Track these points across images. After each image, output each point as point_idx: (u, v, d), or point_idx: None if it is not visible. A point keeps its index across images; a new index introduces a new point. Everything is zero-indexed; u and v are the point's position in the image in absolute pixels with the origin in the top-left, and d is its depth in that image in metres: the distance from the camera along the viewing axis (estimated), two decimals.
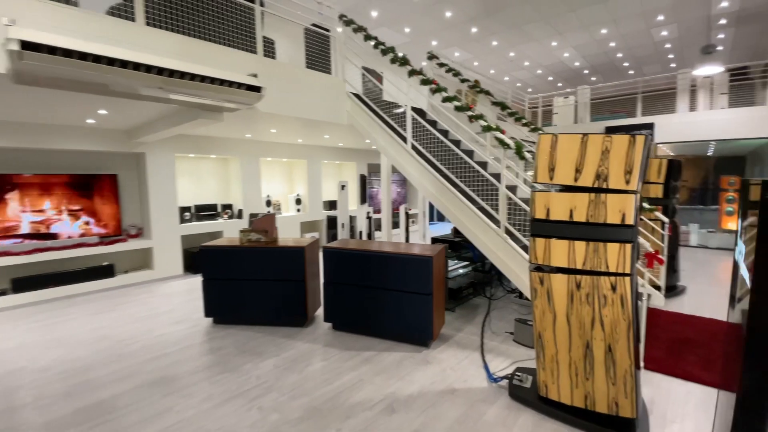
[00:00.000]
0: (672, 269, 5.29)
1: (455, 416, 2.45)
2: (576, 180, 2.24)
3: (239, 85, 3.14)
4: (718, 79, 7.90)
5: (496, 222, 3.73)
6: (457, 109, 3.82)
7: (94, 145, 5.31)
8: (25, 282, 4.91)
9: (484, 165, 4.70)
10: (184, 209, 6.45)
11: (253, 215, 3.95)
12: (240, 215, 7.03)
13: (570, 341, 2.35)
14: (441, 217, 14.24)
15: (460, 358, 3.25)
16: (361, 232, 8.23)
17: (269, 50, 4.32)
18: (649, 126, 8.37)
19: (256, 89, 3.28)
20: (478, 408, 2.54)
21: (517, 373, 2.80)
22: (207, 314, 3.99)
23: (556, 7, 7.78)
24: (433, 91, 4.00)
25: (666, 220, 4.73)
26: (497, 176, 4.16)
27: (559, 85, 14.06)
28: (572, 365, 2.36)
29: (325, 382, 2.88)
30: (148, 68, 2.68)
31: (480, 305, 4.58)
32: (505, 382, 2.83)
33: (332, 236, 8.42)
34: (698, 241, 8.86)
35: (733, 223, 9.50)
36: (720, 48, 9.65)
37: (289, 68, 4.40)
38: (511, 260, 3.58)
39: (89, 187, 5.57)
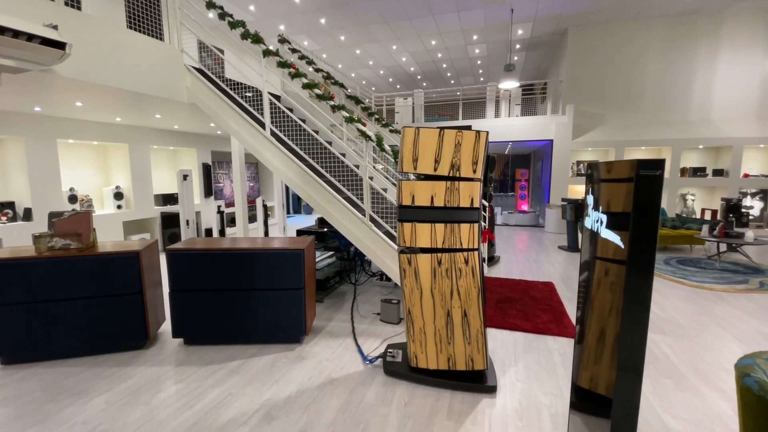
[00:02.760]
0: (490, 243, 6.56)
1: (337, 406, 2.45)
2: (435, 169, 2.50)
3: (30, 38, 2.28)
4: (514, 93, 10.10)
5: (361, 210, 3.87)
6: (319, 97, 3.75)
7: None
8: None
9: (342, 156, 4.79)
10: None
11: (55, 214, 3.04)
12: (28, 216, 5.26)
13: (434, 312, 2.63)
14: (298, 210, 13.94)
15: (334, 347, 3.26)
16: (209, 230, 7.28)
17: (71, 1, 3.31)
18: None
19: (59, 45, 2.45)
20: (358, 392, 2.60)
21: (389, 350, 2.99)
22: None
23: (395, 13, 8.47)
24: (292, 76, 3.81)
25: (486, 204, 5.81)
26: (356, 167, 4.31)
27: (398, 86, 15.50)
28: (437, 333, 2.66)
29: (185, 406, 2.45)
30: None
31: (347, 292, 4.69)
32: (379, 361, 2.99)
33: (170, 237, 7.19)
34: (502, 220, 11.24)
35: (525, 205, 12.41)
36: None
37: (103, 25, 3.47)
38: (376, 246, 3.77)
39: None
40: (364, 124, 3.62)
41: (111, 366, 2.96)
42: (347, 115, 3.65)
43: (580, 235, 7.74)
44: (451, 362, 2.68)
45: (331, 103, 3.72)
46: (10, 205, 5.23)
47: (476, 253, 2.53)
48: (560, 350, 3.22)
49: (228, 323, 3.23)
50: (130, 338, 3.16)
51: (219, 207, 5.18)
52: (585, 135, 9.52)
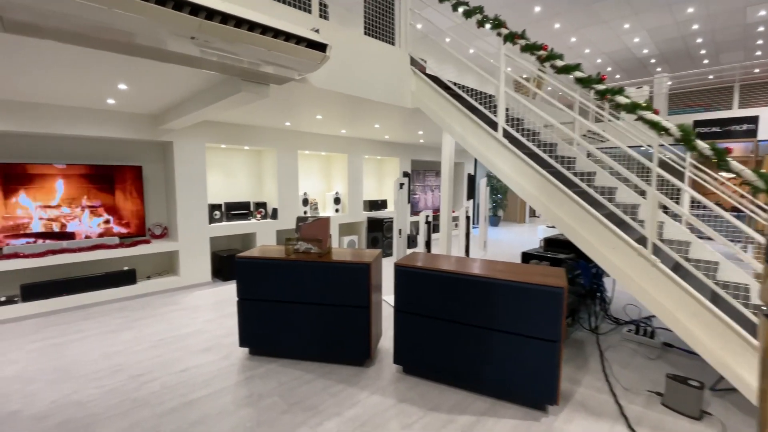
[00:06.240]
0: None
1: None
2: None
3: (298, 41, 2.26)
4: None
5: (634, 236, 2.71)
6: (580, 81, 2.83)
7: (114, 132, 4.58)
8: (36, 289, 4.23)
9: (573, 160, 3.74)
10: (213, 207, 5.70)
11: (301, 219, 3.08)
12: (275, 215, 6.23)
13: None
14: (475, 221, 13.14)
15: None
16: (410, 237, 7.29)
17: (323, 12, 3.45)
18: (753, 120, 7.05)
19: (321, 47, 2.40)
20: None
21: None
22: (242, 343, 3.14)
23: None
24: (543, 60, 3.01)
25: None
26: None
27: (618, 76, 12.71)
28: None
29: None
30: (179, 4, 1.83)
31: (584, 341, 3.56)
32: None
33: (372, 240, 7.53)
34: None
35: None
36: None
37: (347, 34, 3.50)
38: (662, 294, 2.55)
39: (110, 180, 4.87)
40: (655, 111, 2.49)
41: (336, 381, 2.81)
42: (627, 101, 2.59)
43: None
44: None
45: (601, 87, 2.73)
46: (263, 205, 6.30)
47: None
48: None
49: (454, 362, 2.67)
50: (354, 354, 2.98)
51: (427, 217, 4.92)
52: None
